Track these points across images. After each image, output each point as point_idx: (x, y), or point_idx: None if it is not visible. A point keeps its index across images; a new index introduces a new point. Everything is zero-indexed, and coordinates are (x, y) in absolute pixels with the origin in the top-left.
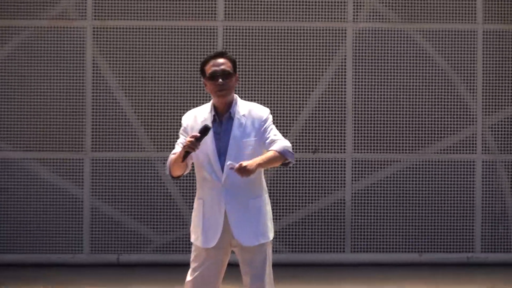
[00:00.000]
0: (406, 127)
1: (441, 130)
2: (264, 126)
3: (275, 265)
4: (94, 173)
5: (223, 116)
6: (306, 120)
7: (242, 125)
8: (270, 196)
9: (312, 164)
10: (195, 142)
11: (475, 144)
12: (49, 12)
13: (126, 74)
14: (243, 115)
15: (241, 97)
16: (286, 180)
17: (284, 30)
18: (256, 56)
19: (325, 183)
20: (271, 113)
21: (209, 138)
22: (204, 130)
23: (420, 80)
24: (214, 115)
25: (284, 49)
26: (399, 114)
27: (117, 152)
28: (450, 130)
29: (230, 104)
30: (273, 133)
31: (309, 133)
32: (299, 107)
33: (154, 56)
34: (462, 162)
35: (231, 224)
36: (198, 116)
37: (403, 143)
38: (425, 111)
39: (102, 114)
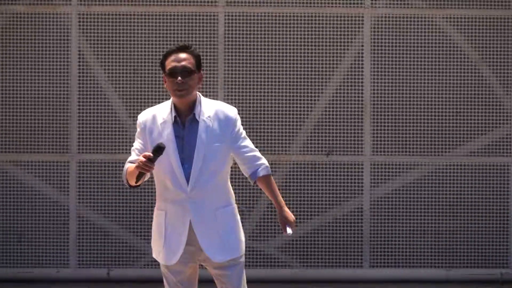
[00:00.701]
0: (431, 126)
1: (471, 130)
2: (235, 131)
3: (285, 282)
4: (81, 178)
5: (186, 118)
6: (318, 118)
7: (209, 128)
8: None
9: (326, 168)
10: (148, 163)
11: (510, 145)
12: None
13: (116, 67)
14: (209, 117)
15: (245, 92)
16: (297, 186)
17: (292, 17)
18: (261, 46)
19: (340, 190)
20: (238, 114)
21: (170, 143)
22: (158, 149)
23: (447, 74)
24: (175, 116)
25: (292, 38)
26: (423, 112)
27: (106, 154)
28: (481, 130)
29: (192, 105)
30: (245, 139)
31: (322, 133)
32: (311, 103)
33: (147, 46)
34: (495, 166)
35: (199, 237)
36: (157, 117)
37: (428, 144)
38: (452, 108)
39: (89, 111)
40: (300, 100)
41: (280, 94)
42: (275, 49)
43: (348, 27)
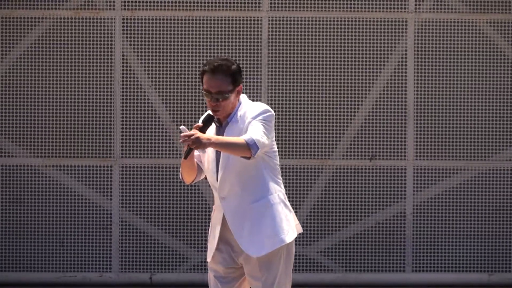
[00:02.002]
0: (475, 131)
1: None
2: (251, 120)
3: (327, 286)
4: (124, 182)
5: (224, 121)
6: (361, 123)
7: (234, 129)
8: (322, 207)
9: (369, 172)
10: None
11: None
12: (72, 1)
13: (159, 72)
14: (240, 116)
15: (288, 97)
16: (339, 190)
17: (335, 22)
18: (304, 51)
19: (383, 194)
20: (270, 111)
21: (212, 148)
22: (208, 120)
23: (490, 79)
24: (218, 119)
25: (335, 43)
26: (468, 115)
27: (149, 159)
28: None
29: (230, 113)
30: (253, 126)
31: (365, 137)
32: (353, 108)
33: (191, 50)
34: None
35: (233, 233)
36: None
37: (471, 149)
38: (497, 112)
39: (132, 116)
40: (343, 104)
41: (323, 99)
42: (318, 54)
43: (391, 32)
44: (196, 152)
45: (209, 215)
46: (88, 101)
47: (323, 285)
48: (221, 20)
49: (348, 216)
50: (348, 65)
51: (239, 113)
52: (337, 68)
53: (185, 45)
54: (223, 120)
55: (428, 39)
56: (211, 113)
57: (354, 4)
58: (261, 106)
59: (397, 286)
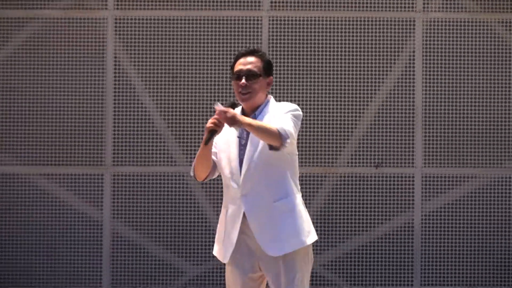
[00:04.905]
0: (487, 135)
1: None
2: (278, 114)
3: None
4: (116, 192)
5: (252, 115)
6: (367, 127)
7: None
8: (325, 218)
9: (375, 180)
10: (222, 118)
11: None
12: (63, 1)
13: (154, 74)
14: (267, 115)
15: (290, 100)
16: (343, 200)
17: (339, 22)
18: (306, 52)
19: (390, 204)
20: (300, 111)
21: (233, 143)
22: (232, 105)
23: (502, 81)
24: (243, 109)
25: (339, 44)
26: (478, 120)
27: (143, 167)
28: None
29: (258, 108)
30: (281, 118)
31: (371, 143)
32: (359, 112)
33: (187, 52)
34: None
35: (254, 231)
36: None
37: (484, 155)
38: (509, 116)
39: (125, 121)
40: (348, 108)
41: (326, 102)
42: (321, 55)
43: (398, 33)
44: (213, 149)
45: (206, 226)
46: (78, 106)
47: None
48: (218, 20)
49: (352, 227)
50: (352, 67)
51: (267, 109)
52: (341, 70)
53: (181, 47)
54: (250, 113)
55: (437, 39)
56: (235, 99)
57: (359, 3)
58: (291, 105)
59: None
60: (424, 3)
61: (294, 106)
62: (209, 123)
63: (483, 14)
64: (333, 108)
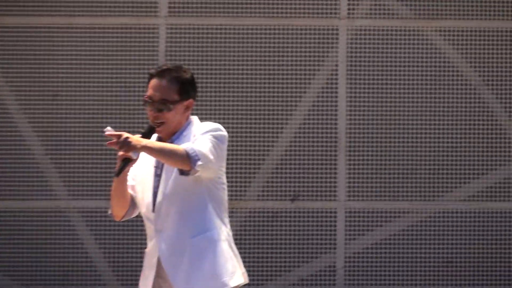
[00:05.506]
0: (421, 164)
1: (469, 170)
2: (196, 136)
3: None
4: None
5: (168, 141)
6: (281, 154)
7: None
8: None
9: (290, 216)
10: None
11: None
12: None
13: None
14: (184, 137)
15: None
16: (253, 239)
17: (254, 30)
18: (210, 64)
19: (308, 243)
20: (223, 131)
21: (149, 173)
22: (149, 131)
23: (439, 98)
24: (159, 137)
25: (250, 55)
26: (411, 144)
27: (21, 202)
28: (483, 169)
29: (175, 134)
30: (200, 140)
31: (285, 173)
32: (272, 136)
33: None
34: (500, 213)
35: (166, 270)
36: None
37: (417, 187)
38: (447, 140)
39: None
40: (259, 131)
41: (234, 124)
42: (232, 67)
43: (320, 43)
44: (132, 182)
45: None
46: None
47: None
48: (111, 28)
49: (264, 271)
50: (266, 81)
51: (187, 132)
52: (253, 85)
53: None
54: (166, 139)
55: (363, 50)
56: (152, 124)
57: (275, 9)
58: (212, 124)
59: None
60: (349, 9)
61: (215, 125)
62: (121, 151)
63: (418, 22)
64: (240, 131)
